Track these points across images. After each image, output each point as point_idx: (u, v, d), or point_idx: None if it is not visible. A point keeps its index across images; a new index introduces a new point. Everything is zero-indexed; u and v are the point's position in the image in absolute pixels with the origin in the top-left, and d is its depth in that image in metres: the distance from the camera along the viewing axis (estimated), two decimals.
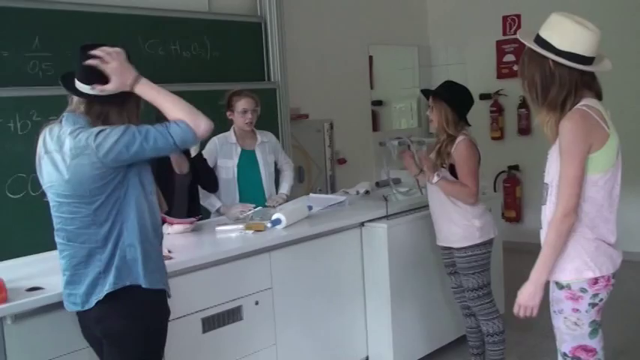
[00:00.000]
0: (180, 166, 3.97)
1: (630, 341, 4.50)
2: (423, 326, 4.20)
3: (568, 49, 2.40)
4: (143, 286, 2.37)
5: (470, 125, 3.84)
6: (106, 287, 2.35)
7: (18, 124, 4.12)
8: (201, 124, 2.36)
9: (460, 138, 3.71)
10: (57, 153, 2.34)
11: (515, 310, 2.55)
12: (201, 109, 4.82)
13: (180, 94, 5.06)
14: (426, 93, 3.93)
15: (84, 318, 2.47)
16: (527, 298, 2.51)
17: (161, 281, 2.46)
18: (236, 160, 4.35)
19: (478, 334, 3.98)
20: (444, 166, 3.74)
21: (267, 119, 5.56)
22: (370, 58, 7.20)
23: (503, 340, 3.85)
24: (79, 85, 2.35)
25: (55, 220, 2.43)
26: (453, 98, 3.75)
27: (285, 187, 4.54)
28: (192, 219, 3.77)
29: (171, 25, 5.07)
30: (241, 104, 4.28)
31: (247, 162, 4.39)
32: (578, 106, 2.42)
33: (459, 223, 3.75)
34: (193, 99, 4.95)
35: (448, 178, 3.71)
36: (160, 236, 2.53)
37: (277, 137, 5.61)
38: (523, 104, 7.05)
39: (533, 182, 6.93)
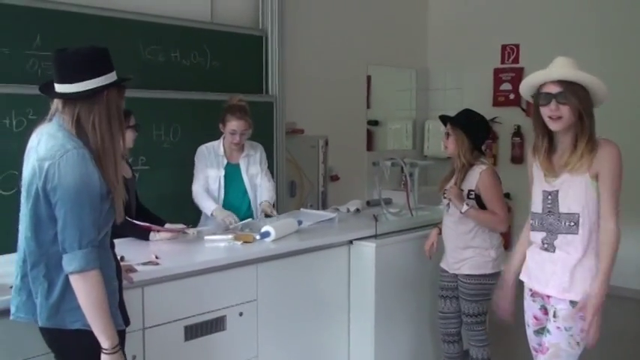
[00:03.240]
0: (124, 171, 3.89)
1: None
2: (405, 349, 4.19)
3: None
4: (53, 327, 2.31)
5: (484, 154, 3.88)
6: (21, 314, 2.36)
7: (13, 122, 4.13)
8: (77, 283, 2.23)
9: (482, 168, 3.74)
10: (33, 150, 2.34)
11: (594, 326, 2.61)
12: (198, 117, 4.87)
13: (177, 101, 5.11)
14: (443, 119, 3.91)
15: None
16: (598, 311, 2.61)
17: (81, 320, 2.29)
18: (222, 172, 4.32)
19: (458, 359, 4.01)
20: (470, 196, 3.75)
21: (262, 132, 5.57)
22: (368, 77, 7.24)
23: None
24: (57, 87, 2.34)
25: None
26: (471, 127, 3.78)
27: (266, 195, 4.42)
28: (182, 227, 3.76)
29: (173, 32, 5.09)
30: (231, 125, 4.20)
31: (231, 174, 4.37)
32: (604, 138, 2.67)
33: (475, 251, 3.77)
34: (190, 107, 5.02)
35: (476, 207, 3.74)
36: (109, 271, 2.39)
37: (272, 151, 5.64)
38: (517, 133, 7.12)
39: (523, 211, 6.90)
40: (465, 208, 3.68)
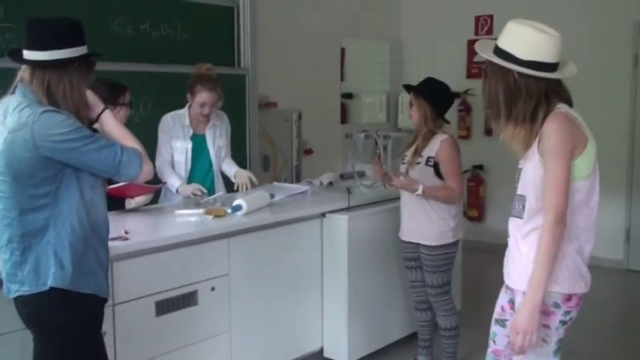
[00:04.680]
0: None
1: (581, 342, 4.57)
2: (378, 320, 4.21)
3: (531, 58, 2.31)
4: (69, 289, 2.32)
5: (449, 123, 3.90)
6: (25, 287, 2.33)
7: None
8: (149, 165, 2.47)
9: (443, 137, 3.78)
10: (1, 124, 2.32)
11: (513, 338, 2.32)
12: (168, 91, 4.78)
13: (146, 74, 5.01)
14: (407, 88, 3.93)
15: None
16: (525, 322, 2.28)
17: (90, 286, 2.39)
18: (190, 144, 4.19)
19: (430, 327, 4.09)
20: (429, 163, 3.77)
21: (234, 106, 5.51)
22: (342, 50, 7.19)
23: (457, 335, 3.99)
24: (26, 54, 2.35)
25: None
26: (433, 95, 3.80)
27: (234, 167, 4.36)
28: (154, 186, 3.71)
29: (142, 3, 4.97)
30: (202, 97, 4.09)
31: (197, 146, 4.25)
32: (555, 111, 2.33)
33: (435, 222, 3.80)
34: (160, 80, 4.92)
35: (432, 185, 3.74)
36: (101, 235, 2.48)
37: (244, 124, 5.59)
38: None
39: (496, 182, 6.99)
40: (419, 190, 3.70)
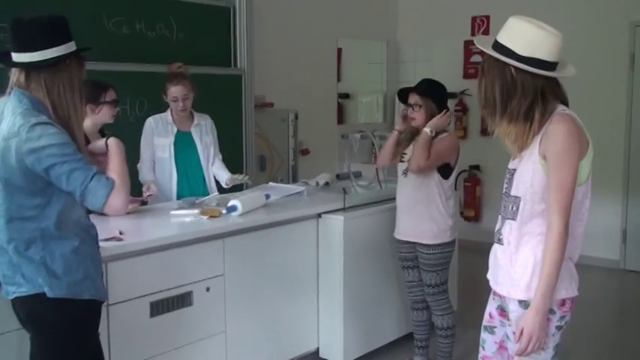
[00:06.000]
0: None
1: (578, 343, 4.56)
2: (374, 321, 4.21)
3: (530, 54, 2.24)
4: (67, 297, 2.32)
5: (448, 123, 3.90)
6: (23, 289, 2.32)
7: None
8: (119, 199, 2.28)
9: (446, 134, 3.82)
10: None
11: (524, 344, 2.25)
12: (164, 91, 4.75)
13: (142, 74, 4.99)
14: (404, 94, 3.92)
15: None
16: (532, 327, 2.23)
17: (89, 291, 2.38)
18: (172, 139, 4.20)
19: (426, 327, 4.08)
20: None
21: (231, 106, 5.52)
22: (339, 50, 7.18)
23: (454, 335, 3.98)
24: (15, 56, 2.31)
25: None
26: (437, 94, 3.83)
27: (227, 174, 4.34)
28: (140, 198, 3.73)
29: (138, 3, 4.97)
30: (171, 92, 4.12)
31: (184, 143, 4.24)
32: (560, 112, 2.28)
33: (436, 221, 3.79)
34: (156, 80, 4.90)
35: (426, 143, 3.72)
36: (92, 239, 2.47)
37: (241, 124, 5.61)
38: None
39: (493, 183, 6.99)
40: (430, 130, 3.71)
